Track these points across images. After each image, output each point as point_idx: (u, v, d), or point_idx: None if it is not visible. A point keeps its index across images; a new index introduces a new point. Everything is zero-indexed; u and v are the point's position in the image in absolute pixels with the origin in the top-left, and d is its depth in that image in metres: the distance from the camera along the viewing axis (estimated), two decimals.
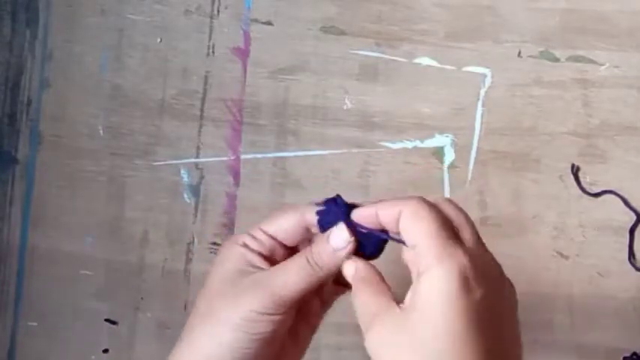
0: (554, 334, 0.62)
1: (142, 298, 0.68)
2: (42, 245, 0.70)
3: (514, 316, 0.40)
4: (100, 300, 0.69)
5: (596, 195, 0.56)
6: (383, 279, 0.41)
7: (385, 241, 0.42)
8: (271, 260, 0.44)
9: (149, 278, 0.68)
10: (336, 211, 0.42)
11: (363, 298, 0.40)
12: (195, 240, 0.68)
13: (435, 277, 0.38)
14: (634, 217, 0.62)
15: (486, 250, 0.41)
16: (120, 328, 0.69)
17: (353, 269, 0.42)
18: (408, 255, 0.40)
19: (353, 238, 0.42)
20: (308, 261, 0.42)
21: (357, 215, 0.42)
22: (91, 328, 0.69)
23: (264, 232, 0.44)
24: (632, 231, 0.62)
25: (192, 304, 0.67)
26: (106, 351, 0.69)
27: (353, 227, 0.42)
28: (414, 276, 0.39)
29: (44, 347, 0.70)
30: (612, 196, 0.62)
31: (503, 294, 0.40)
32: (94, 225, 0.69)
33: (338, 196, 0.43)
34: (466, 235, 0.40)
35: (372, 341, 0.39)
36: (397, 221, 0.40)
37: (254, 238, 0.44)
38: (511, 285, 0.41)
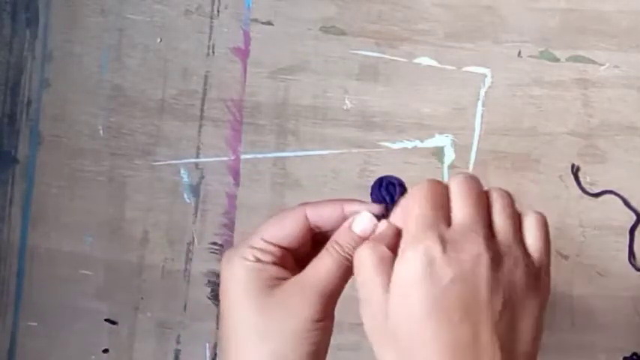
0: (554, 334, 0.62)
1: (142, 298, 0.68)
2: (42, 245, 0.70)
3: (497, 312, 0.38)
4: (100, 300, 0.69)
5: (596, 195, 0.56)
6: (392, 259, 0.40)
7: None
8: (286, 267, 0.43)
9: (149, 278, 0.68)
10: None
11: (366, 273, 0.40)
12: (195, 240, 0.68)
13: (402, 261, 0.38)
14: (634, 217, 0.62)
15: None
16: (120, 328, 0.69)
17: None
18: None
19: (376, 223, 0.43)
20: (340, 253, 0.42)
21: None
22: (91, 328, 0.69)
23: (269, 242, 0.43)
24: (632, 231, 0.62)
25: (192, 304, 0.67)
26: (106, 351, 0.69)
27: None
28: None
29: (44, 347, 0.70)
30: (612, 196, 0.62)
31: (485, 281, 0.38)
32: (94, 225, 0.69)
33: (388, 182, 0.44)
34: (458, 214, 0.39)
35: (364, 325, 0.40)
36: None
37: (263, 250, 0.43)
38: (540, 291, 0.40)
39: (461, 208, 0.40)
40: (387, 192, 0.44)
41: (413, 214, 0.39)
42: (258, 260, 0.43)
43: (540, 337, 0.39)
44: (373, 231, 0.43)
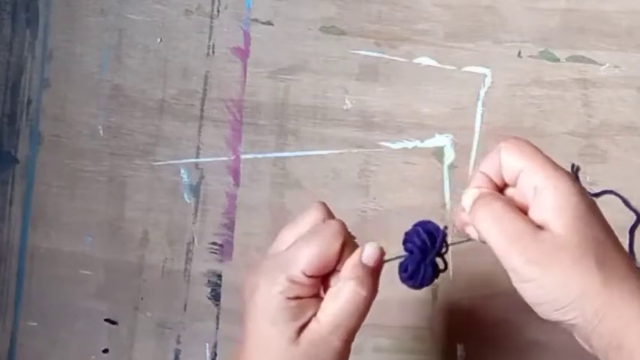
0: (554, 334, 0.62)
1: (142, 298, 0.68)
2: (42, 245, 0.70)
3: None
4: (100, 300, 0.69)
5: (596, 195, 0.55)
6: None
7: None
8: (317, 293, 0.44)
9: (149, 278, 0.68)
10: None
11: (510, 215, 0.40)
12: (195, 240, 0.68)
13: (557, 184, 0.40)
14: (634, 217, 0.61)
15: None
16: (120, 328, 0.69)
17: (478, 193, 0.42)
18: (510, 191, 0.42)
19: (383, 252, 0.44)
20: (359, 292, 0.42)
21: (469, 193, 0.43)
22: (91, 328, 0.69)
23: (311, 276, 0.43)
24: (632, 231, 0.61)
25: (192, 304, 0.67)
26: (106, 351, 0.69)
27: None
28: (528, 198, 0.40)
29: (44, 347, 0.70)
30: (612, 196, 0.62)
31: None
32: (94, 225, 0.69)
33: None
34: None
35: (523, 257, 0.39)
36: (500, 166, 0.42)
37: (303, 285, 0.42)
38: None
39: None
40: (429, 239, 0.43)
41: (536, 153, 0.41)
42: (298, 297, 0.42)
43: None
44: (380, 259, 0.43)
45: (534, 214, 0.40)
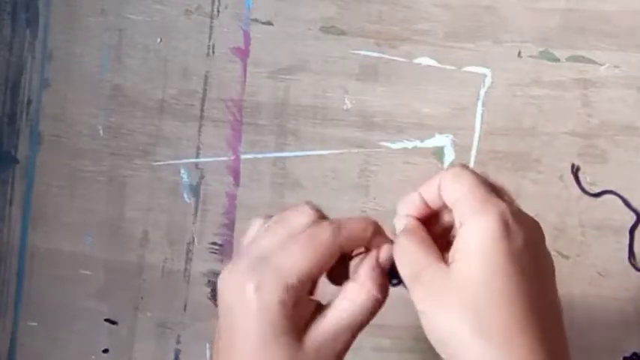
0: None
1: (142, 298, 0.68)
2: (42, 245, 0.70)
3: (553, 279, 0.40)
4: (100, 300, 0.69)
5: (596, 195, 0.56)
6: (432, 240, 0.41)
7: None
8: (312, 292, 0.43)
9: (149, 278, 0.68)
10: None
11: (411, 249, 0.40)
12: (195, 240, 0.68)
13: (475, 223, 0.38)
14: (634, 217, 0.61)
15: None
16: (120, 328, 0.69)
17: (404, 224, 0.42)
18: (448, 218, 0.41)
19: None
20: (371, 293, 0.42)
21: (403, 207, 0.42)
22: (91, 328, 0.69)
23: (307, 281, 0.41)
24: (632, 231, 0.62)
25: (192, 304, 0.67)
26: (106, 351, 0.69)
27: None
28: (455, 233, 0.39)
29: (44, 347, 0.70)
30: (612, 196, 0.62)
31: (544, 250, 0.40)
32: (94, 225, 0.69)
33: None
34: (505, 195, 0.40)
35: (419, 292, 0.39)
36: (438, 192, 0.41)
37: (300, 290, 0.41)
38: (548, 252, 0.41)
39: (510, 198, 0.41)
40: None
41: (470, 186, 0.39)
42: (296, 304, 0.41)
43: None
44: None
45: (452, 248, 0.39)
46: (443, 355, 0.38)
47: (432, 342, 0.39)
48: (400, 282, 0.41)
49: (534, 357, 0.36)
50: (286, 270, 0.41)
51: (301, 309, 0.41)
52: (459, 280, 0.38)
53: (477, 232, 0.38)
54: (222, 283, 0.42)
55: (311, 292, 0.43)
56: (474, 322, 0.37)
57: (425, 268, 0.39)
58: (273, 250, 0.41)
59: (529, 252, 0.38)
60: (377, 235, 0.43)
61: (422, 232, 0.41)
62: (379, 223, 0.44)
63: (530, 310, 0.37)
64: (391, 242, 0.43)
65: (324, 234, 0.42)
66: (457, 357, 0.37)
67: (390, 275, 0.43)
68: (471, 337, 0.37)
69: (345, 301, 0.42)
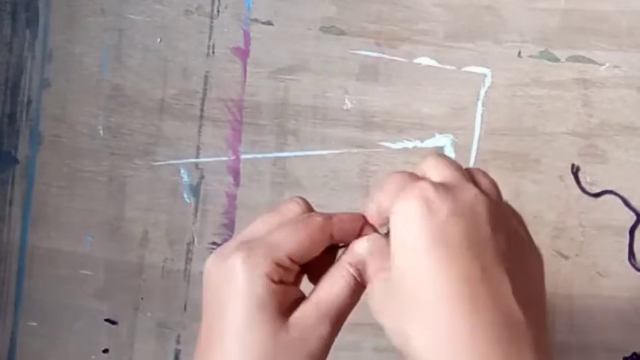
0: (554, 334, 0.62)
1: (142, 298, 0.68)
2: (42, 245, 0.70)
3: (496, 247, 0.37)
4: (100, 300, 0.69)
5: (596, 195, 0.56)
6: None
7: None
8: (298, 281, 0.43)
9: (149, 278, 0.68)
10: None
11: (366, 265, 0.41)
12: (195, 240, 0.68)
13: (395, 210, 0.37)
14: (634, 217, 0.62)
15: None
16: (120, 328, 0.69)
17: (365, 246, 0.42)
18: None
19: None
20: (355, 277, 0.41)
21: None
22: (91, 328, 0.69)
23: (295, 262, 0.41)
24: (632, 231, 0.62)
25: (192, 304, 0.67)
26: (106, 351, 0.69)
27: None
28: None
29: (44, 347, 0.70)
30: (612, 196, 0.62)
31: (485, 217, 0.37)
32: (94, 225, 0.69)
33: None
34: (484, 179, 0.40)
35: (371, 307, 0.39)
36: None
37: (288, 270, 0.41)
38: (538, 252, 0.40)
39: (443, 172, 0.39)
40: None
41: (393, 184, 0.39)
42: (282, 282, 0.40)
43: (545, 302, 0.39)
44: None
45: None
46: None
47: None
48: None
49: (459, 325, 0.35)
50: (275, 246, 0.40)
51: (286, 292, 0.41)
52: (394, 273, 0.38)
53: (397, 217, 0.37)
54: (208, 265, 0.43)
55: (296, 282, 0.42)
56: (417, 317, 0.36)
57: (373, 284, 0.40)
58: (263, 232, 0.42)
59: (460, 222, 0.36)
60: (367, 227, 0.43)
61: (380, 242, 0.41)
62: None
63: (461, 281, 0.35)
64: (379, 234, 0.43)
65: (315, 218, 0.42)
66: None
67: None
68: (418, 343, 0.36)
69: (327, 285, 0.41)
